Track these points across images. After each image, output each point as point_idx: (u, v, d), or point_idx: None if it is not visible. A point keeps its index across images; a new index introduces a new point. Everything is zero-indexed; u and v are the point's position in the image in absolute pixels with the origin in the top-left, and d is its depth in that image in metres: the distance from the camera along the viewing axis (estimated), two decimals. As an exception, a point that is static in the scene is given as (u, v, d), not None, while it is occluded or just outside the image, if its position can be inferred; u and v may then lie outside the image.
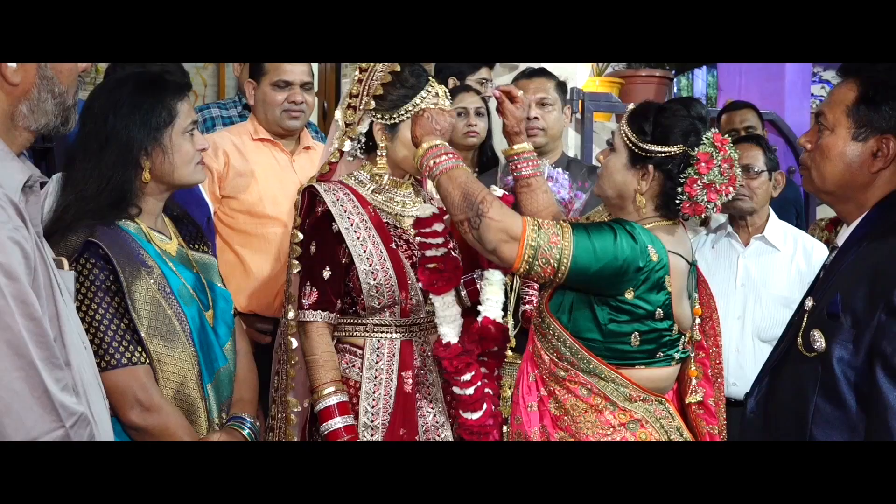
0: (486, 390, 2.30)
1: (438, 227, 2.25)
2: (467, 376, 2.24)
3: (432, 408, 2.32)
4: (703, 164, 1.92)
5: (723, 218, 3.29)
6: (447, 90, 2.30)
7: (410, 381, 2.28)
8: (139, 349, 1.84)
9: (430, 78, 2.28)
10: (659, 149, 1.95)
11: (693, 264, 2.07)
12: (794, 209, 3.90)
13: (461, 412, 2.27)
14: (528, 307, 2.52)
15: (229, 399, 2.06)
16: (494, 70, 4.59)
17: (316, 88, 3.20)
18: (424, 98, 2.23)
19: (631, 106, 2.05)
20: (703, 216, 2.02)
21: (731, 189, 1.96)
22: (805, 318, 1.61)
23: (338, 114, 2.32)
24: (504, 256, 1.92)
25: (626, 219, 1.99)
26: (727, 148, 1.95)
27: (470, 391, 2.24)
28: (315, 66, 6.29)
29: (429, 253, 2.24)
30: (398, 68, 2.23)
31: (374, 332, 2.28)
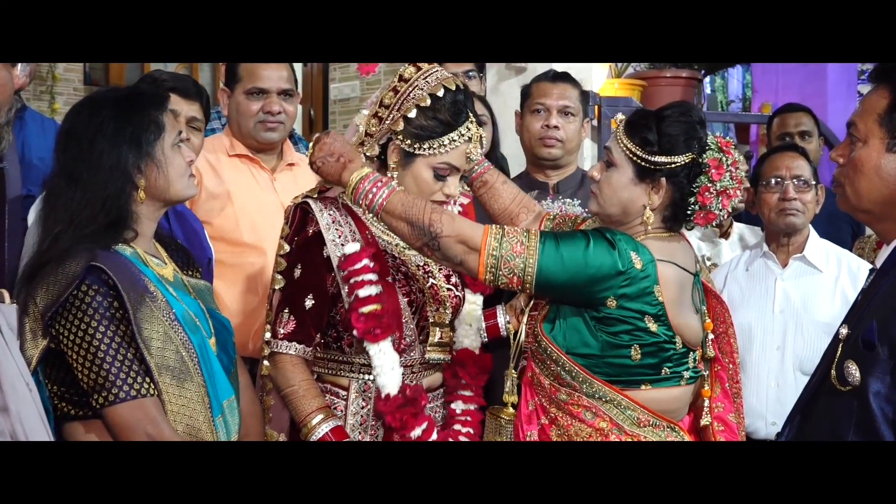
0: (461, 434, 2.34)
1: (368, 261, 2.24)
2: (417, 431, 2.25)
3: None
4: (714, 171, 2.04)
5: (755, 238, 3.33)
6: (481, 135, 2.30)
7: None
8: (147, 380, 1.90)
9: (471, 116, 2.27)
10: (668, 159, 2.05)
11: (696, 275, 2.15)
12: (850, 226, 3.91)
13: None
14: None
15: (238, 434, 2.13)
16: (500, 73, 4.67)
17: (300, 94, 3.24)
18: (454, 140, 2.23)
19: (620, 116, 2.15)
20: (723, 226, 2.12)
21: (738, 193, 2.07)
22: (839, 348, 1.64)
23: (358, 119, 2.34)
24: (469, 268, 2.06)
25: (628, 233, 2.08)
26: (732, 150, 2.06)
27: None
28: (299, 70, 6.36)
29: (362, 293, 2.22)
30: (441, 92, 2.22)
31: (360, 372, 2.30)
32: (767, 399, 2.89)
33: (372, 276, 2.23)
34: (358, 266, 2.23)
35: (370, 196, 2.12)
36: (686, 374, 2.13)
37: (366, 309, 2.21)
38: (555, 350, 2.07)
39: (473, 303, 2.48)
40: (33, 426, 1.54)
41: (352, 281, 2.23)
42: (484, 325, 2.50)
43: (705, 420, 2.20)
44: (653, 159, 2.05)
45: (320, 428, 2.22)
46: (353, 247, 2.25)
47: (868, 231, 3.75)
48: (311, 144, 2.23)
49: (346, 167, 2.17)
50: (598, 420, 2.06)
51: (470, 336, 2.47)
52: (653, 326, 2.03)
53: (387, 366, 2.24)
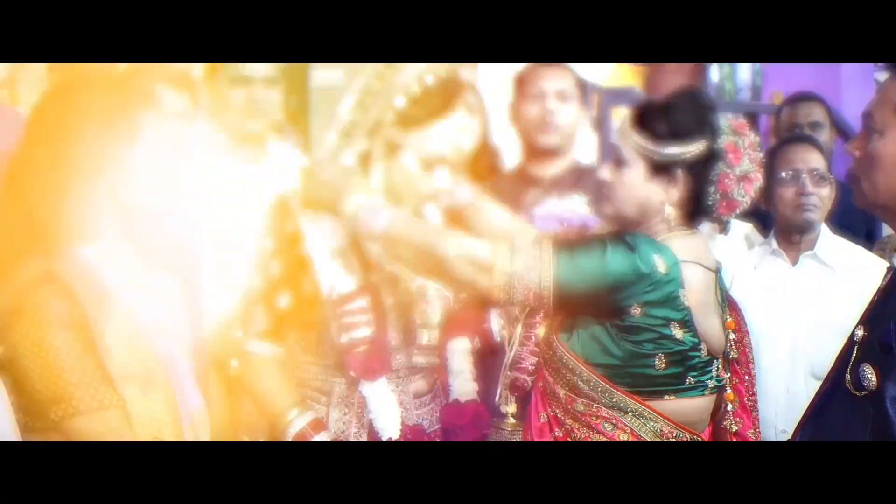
0: None
1: (362, 302, 2.25)
2: None
3: None
4: (731, 156, 2.06)
5: (759, 237, 3.34)
6: (473, 125, 2.30)
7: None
8: (110, 390, 1.88)
9: (462, 104, 2.26)
10: (682, 149, 2.06)
11: (718, 272, 2.17)
12: (865, 224, 3.91)
13: None
14: (521, 376, 2.51)
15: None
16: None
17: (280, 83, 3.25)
18: (445, 130, 2.23)
19: (624, 111, 2.15)
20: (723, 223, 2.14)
21: (760, 176, 2.09)
22: (855, 351, 1.65)
23: (342, 108, 2.34)
24: (481, 289, 2.04)
25: (648, 233, 2.09)
26: (748, 132, 2.09)
27: None
28: (280, 56, 6.35)
29: (356, 335, 2.23)
30: (430, 80, 2.22)
31: (342, 376, 2.30)
32: (777, 406, 2.87)
33: (364, 318, 2.24)
34: (352, 307, 2.24)
35: (368, 223, 2.12)
36: (710, 384, 2.14)
37: (359, 350, 2.23)
38: (572, 359, 2.07)
39: (451, 348, 2.50)
40: (7, 436, 1.54)
41: (344, 321, 2.24)
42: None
43: (732, 427, 2.22)
44: (665, 151, 2.06)
45: (297, 422, 2.22)
46: (346, 286, 2.26)
47: (886, 231, 3.75)
48: (301, 176, 2.24)
49: (340, 196, 2.17)
50: (618, 432, 2.06)
51: (472, 382, 2.48)
52: (678, 333, 2.04)
53: (383, 408, 2.26)
